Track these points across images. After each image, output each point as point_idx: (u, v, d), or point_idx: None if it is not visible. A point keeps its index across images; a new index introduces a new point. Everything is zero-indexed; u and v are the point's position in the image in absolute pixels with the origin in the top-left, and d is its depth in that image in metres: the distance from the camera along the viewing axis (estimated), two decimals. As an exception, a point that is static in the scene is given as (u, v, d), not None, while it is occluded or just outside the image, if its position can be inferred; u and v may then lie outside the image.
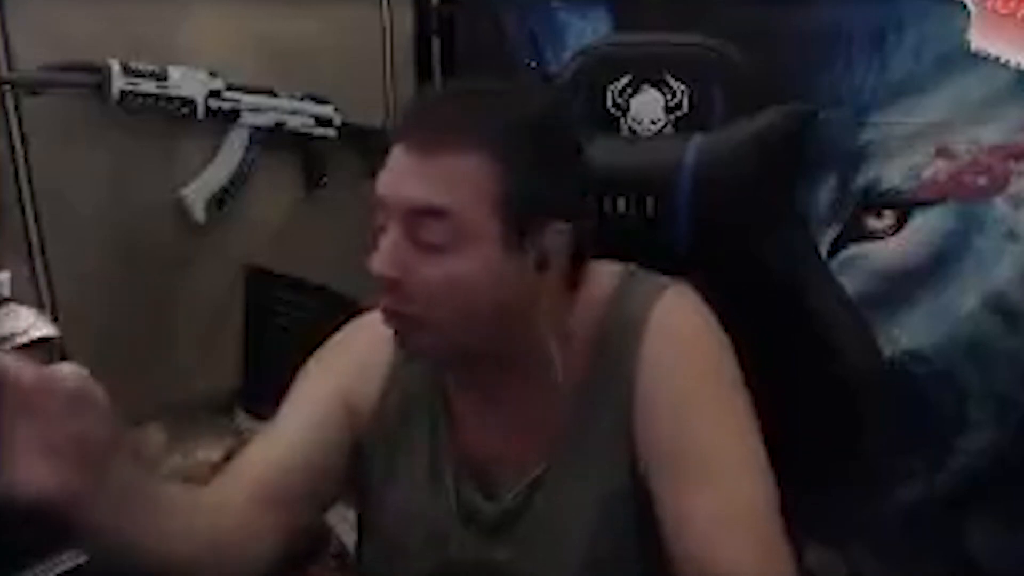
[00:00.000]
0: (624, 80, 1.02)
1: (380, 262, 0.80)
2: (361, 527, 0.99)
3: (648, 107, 1.01)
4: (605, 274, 0.89)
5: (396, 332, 0.85)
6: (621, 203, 0.97)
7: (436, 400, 0.92)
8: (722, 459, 0.78)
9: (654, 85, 1.01)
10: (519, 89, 0.86)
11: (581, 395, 0.86)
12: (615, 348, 0.85)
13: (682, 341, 0.84)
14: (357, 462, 0.93)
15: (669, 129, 1.01)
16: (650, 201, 0.97)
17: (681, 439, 0.79)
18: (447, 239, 0.79)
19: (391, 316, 0.83)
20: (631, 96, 1.02)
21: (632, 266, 0.90)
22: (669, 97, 1.01)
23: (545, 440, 0.87)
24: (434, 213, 0.78)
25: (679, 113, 1.01)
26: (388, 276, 0.79)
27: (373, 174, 0.84)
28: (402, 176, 0.80)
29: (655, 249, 0.95)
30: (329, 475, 0.91)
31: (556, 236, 0.82)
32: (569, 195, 0.84)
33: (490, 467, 0.89)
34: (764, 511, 0.76)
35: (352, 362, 0.94)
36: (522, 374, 0.87)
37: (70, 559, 1.28)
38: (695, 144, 0.96)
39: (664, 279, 0.88)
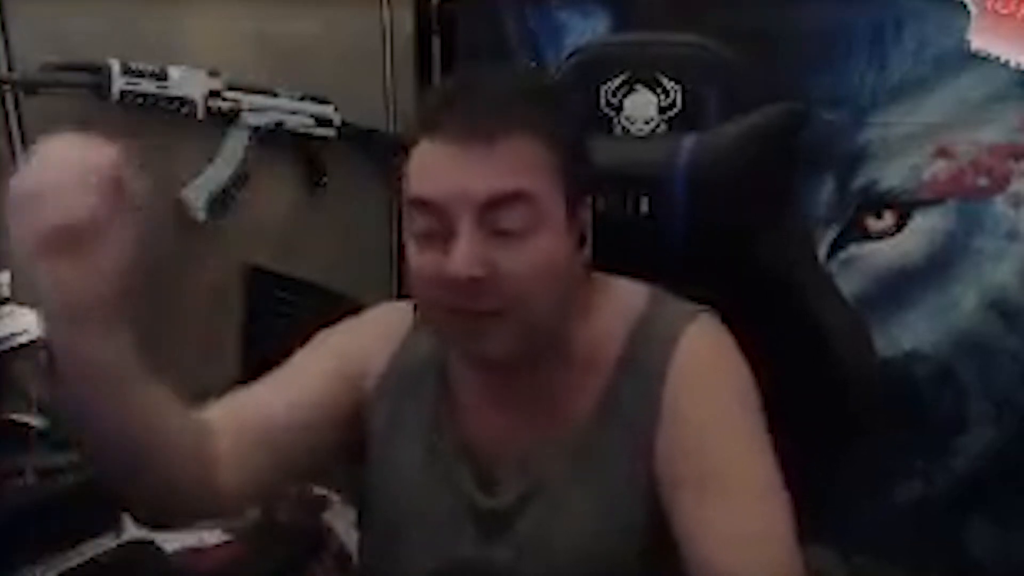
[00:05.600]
0: (618, 80, 1.02)
1: (463, 264, 0.76)
2: (360, 517, 0.98)
3: (641, 107, 1.01)
4: (632, 290, 0.89)
5: (465, 336, 0.81)
6: (615, 202, 0.97)
7: (439, 385, 0.91)
8: (745, 479, 0.78)
9: (647, 85, 1.01)
10: (529, 71, 0.86)
11: (601, 405, 0.85)
12: (643, 364, 0.84)
13: (713, 365, 0.84)
14: (358, 436, 0.91)
15: (663, 129, 1.01)
16: (644, 201, 0.97)
17: (707, 458, 0.79)
18: (526, 224, 0.77)
19: (469, 318, 0.79)
20: (625, 96, 1.02)
21: (658, 288, 0.89)
22: (663, 97, 1.00)
23: (554, 441, 0.86)
24: (515, 198, 0.77)
25: (672, 113, 1.00)
26: (473, 276, 0.76)
27: (399, 178, 0.81)
28: (468, 168, 0.77)
29: (649, 249, 0.95)
30: (328, 432, 0.89)
31: (587, 211, 0.84)
32: (591, 168, 0.85)
33: (492, 461, 0.88)
34: (782, 531, 0.75)
35: (366, 334, 0.94)
36: (542, 368, 0.85)
37: (70, 559, 1.29)
38: (689, 143, 0.96)
39: (693, 305, 0.87)
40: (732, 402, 0.82)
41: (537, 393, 0.86)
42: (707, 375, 0.83)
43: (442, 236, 0.77)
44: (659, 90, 1.00)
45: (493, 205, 0.76)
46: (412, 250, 0.80)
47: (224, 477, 0.81)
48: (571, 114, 0.84)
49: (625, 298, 0.88)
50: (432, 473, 0.89)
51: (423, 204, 0.78)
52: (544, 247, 0.78)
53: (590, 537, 0.83)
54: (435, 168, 0.78)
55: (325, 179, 1.85)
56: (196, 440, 0.81)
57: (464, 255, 0.76)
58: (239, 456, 0.83)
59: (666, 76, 1.00)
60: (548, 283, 0.79)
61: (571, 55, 1.06)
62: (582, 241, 0.84)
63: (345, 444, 0.92)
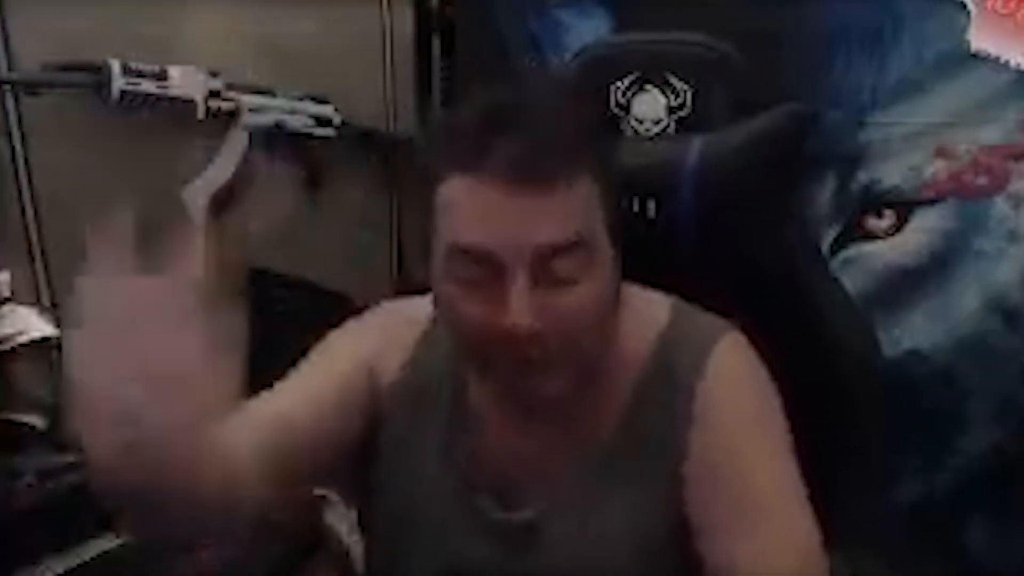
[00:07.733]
0: (627, 80, 1.01)
1: (520, 316, 0.72)
2: (366, 521, 0.97)
3: (650, 107, 1.00)
4: (654, 303, 0.87)
5: (516, 377, 0.78)
6: (623, 204, 0.97)
7: (455, 400, 0.89)
8: (779, 503, 0.77)
9: (656, 85, 1.00)
10: (549, 97, 0.83)
11: (623, 423, 0.83)
12: (669, 382, 0.82)
13: (744, 386, 0.82)
14: (370, 439, 0.89)
15: (671, 129, 1.00)
16: (652, 202, 0.97)
17: (739, 482, 0.77)
18: (580, 270, 0.74)
19: (528, 366, 0.76)
20: (633, 96, 1.01)
21: (678, 299, 0.87)
22: (672, 97, 1.00)
23: (579, 458, 0.84)
24: (574, 247, 0.73)
25: (682, 113, 1.00)
26: (533, 328, 0.72)
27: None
28: (524, 216, 0.72)
29: (657, 250, 0.95)
30: (346, 429, 0.86)
31: (622, 235, 0.80)
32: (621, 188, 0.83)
33: (509, 475, 0.86)
34: (816, 554, 0.75)
35: (380, 334, 0.91)
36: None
37: (70, 559, 1.28)
38: (697, 145, 0.96)
39: (718, 320, 0.85)
40: (762, 425, 0.80)
41: (560, 414, 0.84)
42: (738, 396, 0.81)
43: (490, 283, 0.73)
44: (668, 90, 1.00)
45: (550, 255, 0.73)
46: (453, 293, 0.76)
47: (243, 483, 0.76)
48: (603, 144, 0.81)
49: (646, 311, 0.86)
50: (443, 481, 0.87)
51: (469, 252, 0.73)
52: (596, 290, 0.76)
53: (612, 554, 0.81)
54: (483, 214, 0.73)
55: (325, 179, 1.85)
56: (220, 462, 0.73)
57: (522, 307, 0.72)
58: (258, 458, 0.77)
59: (676, 76, 0.99)
60: (598, 323, 0.78)
61: (578, 55, 1.06)
62: (618, 270, 0.81)
63: (360, 445, 0.89)
